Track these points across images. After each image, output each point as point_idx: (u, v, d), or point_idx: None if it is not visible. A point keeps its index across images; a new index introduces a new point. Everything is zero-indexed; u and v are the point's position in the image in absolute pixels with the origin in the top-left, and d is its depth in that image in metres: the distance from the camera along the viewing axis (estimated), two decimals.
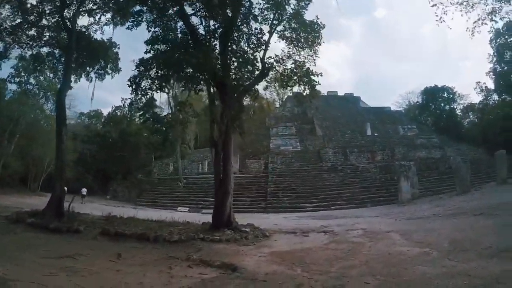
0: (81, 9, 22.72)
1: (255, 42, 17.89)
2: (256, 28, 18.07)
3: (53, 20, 22.81)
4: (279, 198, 32.73)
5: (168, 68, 16.68)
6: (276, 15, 18.25)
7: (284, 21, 18.72)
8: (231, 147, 16.71)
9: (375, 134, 53.02)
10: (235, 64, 17.51)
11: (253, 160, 44.52)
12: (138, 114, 34.52)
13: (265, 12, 18.27)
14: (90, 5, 22.95)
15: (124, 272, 8.88)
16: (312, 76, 17.94)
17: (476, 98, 77.43)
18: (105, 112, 66.61)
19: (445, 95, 67.43)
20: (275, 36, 18.68)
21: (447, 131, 58.34)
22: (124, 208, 27.92)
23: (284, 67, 18.49)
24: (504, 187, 25.53)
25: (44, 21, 22.91)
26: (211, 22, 17.62)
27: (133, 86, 16.91)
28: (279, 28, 18.71)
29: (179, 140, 44.37)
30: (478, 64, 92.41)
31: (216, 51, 17.74)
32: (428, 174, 37.14)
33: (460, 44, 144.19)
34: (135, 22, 18.08)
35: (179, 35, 18.04)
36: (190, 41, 17.48)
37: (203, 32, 17.70)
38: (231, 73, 17.26)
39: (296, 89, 19.65)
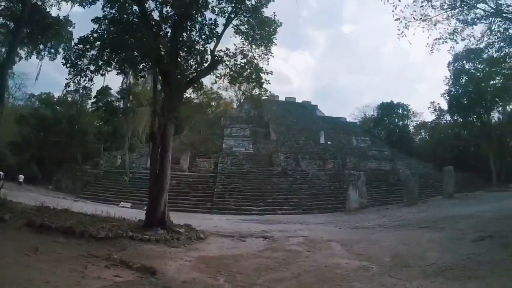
0: None
1: (207, 33, 16.78)
2: (210, 19, 16.95)
3: None
4: (225, 199, 31.38)
5: (110, 48, 15.34)
6: (235, 8, 17.15)
7: (242, 15, 17.58)
8: (169, 141, 15.63)
9: (329, 142, 52.45)
10: (184, 53, 16.40)
11: (203, 159, 42.80)
12: (90, 101, 32.52)
13: (223, 4, 17.14)
14: None
15: (34, 267, 7.72)
16: (261, 74, 17.00)
17: (429, 117, 79.24)
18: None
19: (400, 111, 68.31)
20: (231, 30, 17.59)
21: (399, 145, 59.02)
22: (63, 200, 26.40)
23: (235, 62, 17.27)
24: (450, 201, 25.38)
25: None
26: (166, 9, 16.42)
27: (68, 65, 15.30)
28: (235, 22, 17.58)
29: (129, 131, 43.05)
30: (433, 87, 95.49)
31: (167, 38, 16.48)
32: (377, 185, 36.68)
33: (418, 66, 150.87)
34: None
35: (131, 18, 16.54)
36: (141, 25, 16.05)
37: (157, 18, 16.41)
38: (178, 63, 16.09)
39: (244, 87, 18.44)
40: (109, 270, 8.21)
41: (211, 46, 16.78)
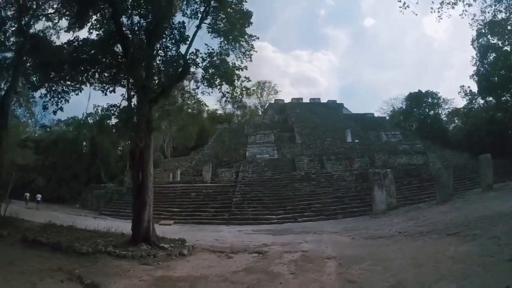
0: (38, 13, 20.06)
1: (177, 37, 16.23)
2: (179, 22, 16.36)
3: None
4: (243, 209, 29.11)
5: (83, 67, 15.73)
6: (207, 8, 16.23)
7: (213, 13, 16.57)
8: (149, 154, 15.15)
9: (356, 140, 49.33)
10: (158, 62, 16.19)
11: (225, 169, 41.01)
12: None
13: (195, 6, 16.46)
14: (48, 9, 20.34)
15: None
16: (236, 71, 16.12)
17: (461, 102, 74.20)
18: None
19: (430, 100, 64.02)
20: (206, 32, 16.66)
21: (432, 136, 54.69)
22: (82, 217, 27.09)
23: (210, 63, 16.26)
24: (489, 194, 22.15)
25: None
26: (138, 18, 15.97)
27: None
28: (208, 21, 16.53)
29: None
30: (463, 72, 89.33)
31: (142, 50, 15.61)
32: (408, 181, 33.27)
33: (445, 53, 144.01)
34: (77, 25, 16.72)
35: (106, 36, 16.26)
36: (117, 39, 15.73)
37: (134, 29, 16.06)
38: (152, 73, 15.77)
39: (225, 88, 16.75)
40: (61, 284, 8.34)
41: (183, 50, 16.19)
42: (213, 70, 16.11)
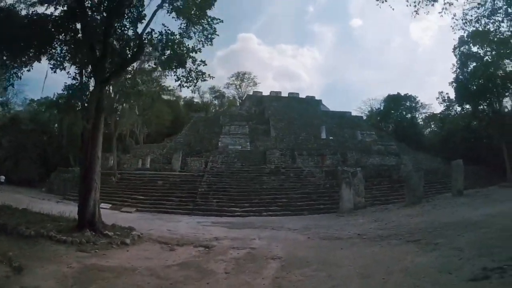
0: None
1: (135, 15, 15.31)
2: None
3: None
4: (208, 200, 27.71)
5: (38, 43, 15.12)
6: None
7: None
8: (98, 137, 14.22)
9: (330, 137, 48.24)
10: (114, 41, 15.39)
11: (195, 158, 39.38)
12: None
13: None
14: None
15: None
16: (191, 53, 15.25)
17: (438, 108, 74.20)
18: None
19: (408, 103, 63.94)
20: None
21: (407, 139, 54.50)
22: (44, 201, 26.94)
23: (166, 44, 15.36)
24: (459, 200, 21.80)
25: None
26: None
27: None
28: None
29: (115, 131, 39.67)
30: (444, 79, 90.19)
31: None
32: (379, 182, 32.37)
33: (428, 60, 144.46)
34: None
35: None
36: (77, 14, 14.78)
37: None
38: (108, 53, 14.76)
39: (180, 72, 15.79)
40: None
41: (141, 29, 15.35)
42: (169, 52, 15.28)
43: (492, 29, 24.95)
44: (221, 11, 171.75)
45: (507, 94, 40.79)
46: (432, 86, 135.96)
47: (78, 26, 15.15)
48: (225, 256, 10.67)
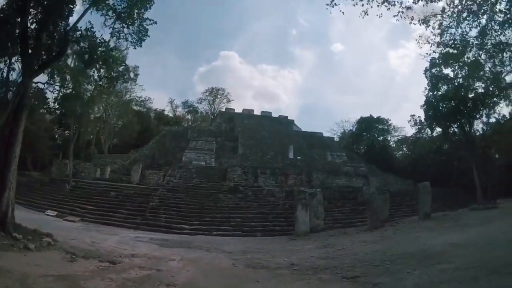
0: None
1: (66, 12, 14.38)
2: None
3: None
4: (157, 215, 25.14)
5: None
6: None
7: None
8: (18, 134, 13.25)
9: (298, 157, 46.05)
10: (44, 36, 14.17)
11: (155, 171, 37.20)
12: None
13: None
14: None
15: None
16: (113, 53, 14.83)
17: (410, 132, 73.66)
18: None
19: (380, 126, 63.23)
20: None
21: (378, 161, 52.89)
22: None
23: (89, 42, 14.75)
24: (424, 224, 19.73)
25: None
26: None
27: None
28: None
29: (72, 139, 37.43)
30: (418, 104, 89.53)
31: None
32: (343, 204, 30.01)
33: (404, 86, 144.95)
34: None
35: None
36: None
37: None
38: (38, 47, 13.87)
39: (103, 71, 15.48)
40: None
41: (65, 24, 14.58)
42: (92, 50, 14.59)
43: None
44: (204, 26, 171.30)
45: (478, 117, 39.12)
46: (407, 111, 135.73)
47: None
48: (119, 275, 9.25)
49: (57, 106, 26.36)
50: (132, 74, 51.10)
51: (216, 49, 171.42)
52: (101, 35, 14.53)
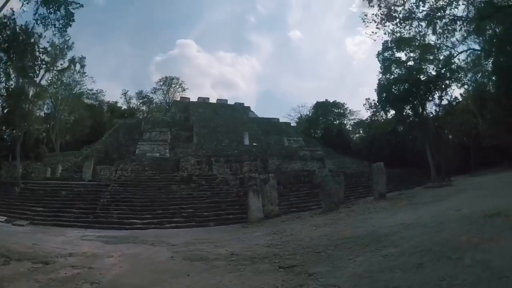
0: None
1: None
2: None
3: None
4: (109, 211, 23.90)
5: None
6: None
7: None
8: None
9: (254, 144, 45.42)
10: None
11: (105, 166, 35.46)
12: None
13: None
14: None
15: None
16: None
17: (366, 115, 74.49)
18: None
19: (336, 110, 63.79)
20: None
21: (335, 144, 53.37)
22: None
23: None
24: (379, 204, 19.62)
25: None
26: None
27: None
28: None
29: (19, 137, 35.20)
30: (373, 88, 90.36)
31: None
32: (298, 188, 29.58)
33: (361, 71, 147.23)
34: None
35: None
36: None
37: None
38: None
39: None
40: None
41: None
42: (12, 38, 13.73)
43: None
44: (159, 13, 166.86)
45: (430, 98, 39.57)
46: (363, 95, 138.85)
47: None
48: (47, 275, 8.62)
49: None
50: (78, 66, 48.97)
51: (173, 37, 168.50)
52: (26, 22, 13.81)
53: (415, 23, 23.50)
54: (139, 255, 11.52)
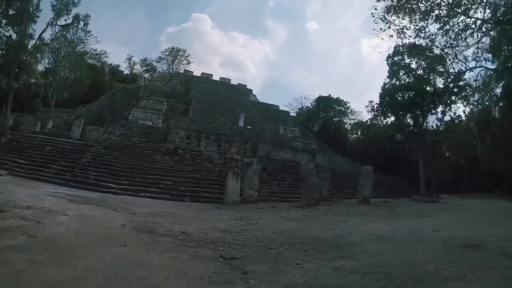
0: None
1: None
2: None
3: None
4: (87, 172, 23.48)
5: None
6: None
7: None
8: None
9: (248, 127, 44.68)
10: None
11: (95, 127, 35.09)
12: None
13: None
14: None
15: None
16: None
17: (368, 117, 73.87)
18: None
19: (337, 107, 63.29)
20: None
21: (331, 141, 53.05)
22: None
23: None
24: (359, 208, 18.93)
25: None
26: None
27: None
28: None
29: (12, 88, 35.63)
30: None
31: None
32: (283, 177, 29.05)
33: (371, 74, 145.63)
34: None
35: None
36: None
37: None
38: None
39: None
40: None
41: None
42: None
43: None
44: None
45: (433, 111, 39.00)
46: (369, 98, 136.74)
47: None
48: None
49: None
50: (82, 23, 48.49)
51: (189, 10, 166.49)
52: None
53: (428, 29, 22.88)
54: (94, 217, 11.04)
